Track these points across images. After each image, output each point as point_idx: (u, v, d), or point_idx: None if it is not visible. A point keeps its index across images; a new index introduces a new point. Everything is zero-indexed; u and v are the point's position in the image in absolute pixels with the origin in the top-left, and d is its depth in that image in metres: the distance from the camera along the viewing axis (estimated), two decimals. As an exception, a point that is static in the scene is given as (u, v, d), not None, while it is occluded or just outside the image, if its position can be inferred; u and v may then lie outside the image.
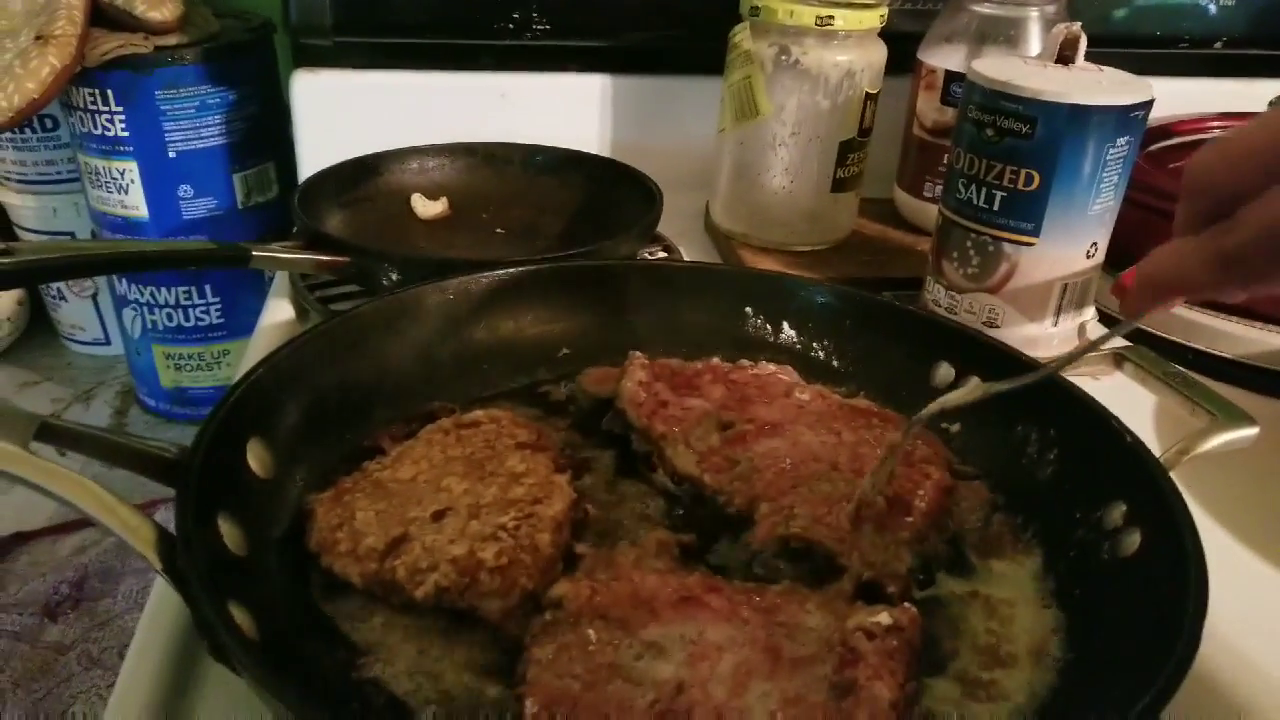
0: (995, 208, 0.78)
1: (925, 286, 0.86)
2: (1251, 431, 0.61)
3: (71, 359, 1.60)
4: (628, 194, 0.98)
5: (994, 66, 0.77)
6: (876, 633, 0.47)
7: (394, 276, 0.78)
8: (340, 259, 0.79)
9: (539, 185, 1.06)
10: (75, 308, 1.58)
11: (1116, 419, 0.58)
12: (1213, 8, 1.17)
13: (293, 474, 0.55)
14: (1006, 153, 0.76)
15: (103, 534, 1.15)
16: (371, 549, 0.50)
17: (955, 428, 0.67)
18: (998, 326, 0.80)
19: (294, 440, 0.56)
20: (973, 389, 0.55)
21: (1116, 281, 0.79)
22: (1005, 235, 0.78)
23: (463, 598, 0.49)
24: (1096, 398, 0.61)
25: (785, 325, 0.76)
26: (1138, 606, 0.48)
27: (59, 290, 1.58)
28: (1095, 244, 0.79)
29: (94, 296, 1.55)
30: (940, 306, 0.83)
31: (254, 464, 0.52)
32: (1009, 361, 0.67)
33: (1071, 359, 0.55)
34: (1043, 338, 0.80)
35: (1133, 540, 0.52)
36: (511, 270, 0.72)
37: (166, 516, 0.43)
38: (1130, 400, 0.67)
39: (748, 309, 0.76)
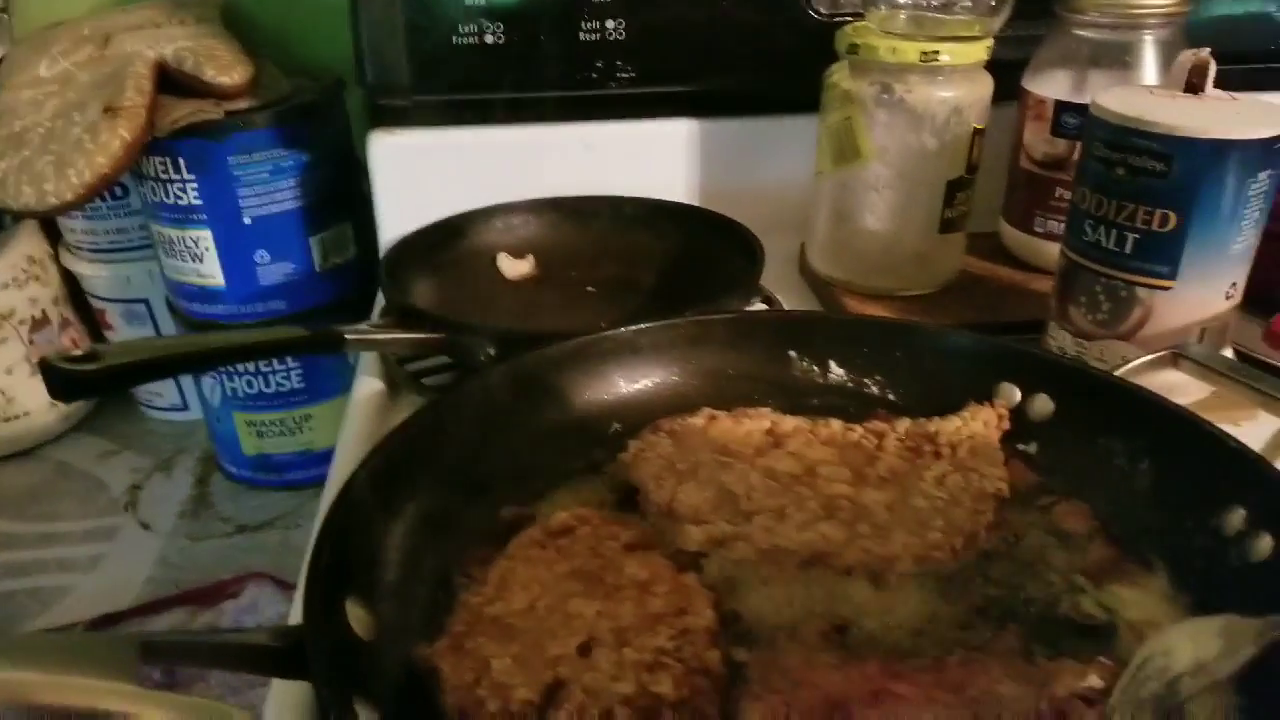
0: (1127, 250, 0.73)
1: (1049, 332, 0.81)
2: None
3: (151, 426, 1.59)
4: (725, 246, 0.95)
5: (1120, 99, 0.72)
6: (1093, 697, 0.44)
7: (491, 352, 0.74)
8: (435, 336, 0.76)
9: (629, 239, 1.02)
10: (152, 373, 1.57)
11: (1204, 420, 0.57)
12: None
13: (390, 626, 0.49)
14: (1139, 192, 0.71)
15: (192, 616, 1.13)
16: (526, 702, 0.44)
17: (1033, 448, 0.65)
18: (1133, 375, 0.75)
19: (383, 587, 0.51)
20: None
21: (1269, 330, 0.73)
22: (1139, 279, 0.73)
23: None
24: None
25: (832, 364, 0.72)
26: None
27: (160, 379, 1.56)
28: (1235, 284, 0.74)
29: (170, 362, 1.54)
30: (1067, 353, 0.78)
31: (356, 628, 0.46)
32: (1068, 374, 0.66)
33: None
34: (1179, 384, 0.75)
35: (1264, 544, 0.50)
36: (549, 353, 0.68)
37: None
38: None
39: (791, 353, 0.72)
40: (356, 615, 0.47)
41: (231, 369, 1.29)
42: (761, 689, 0.46)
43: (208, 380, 1.34)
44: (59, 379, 0.62)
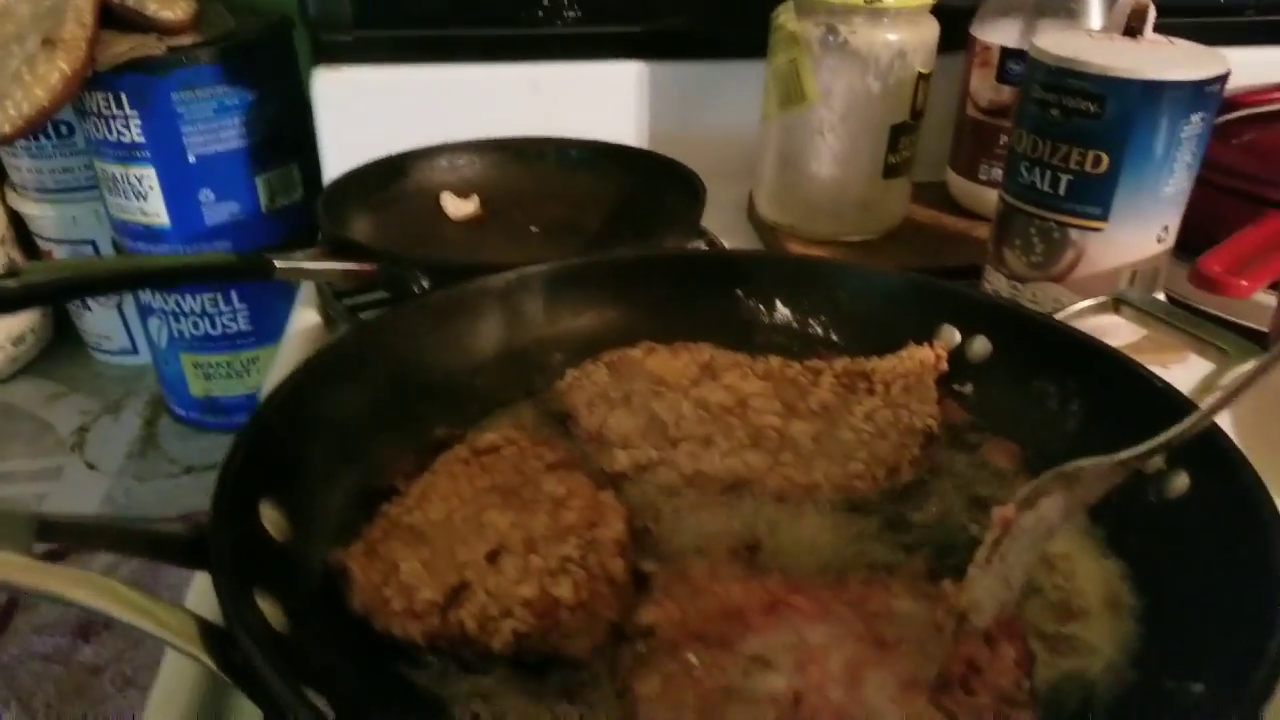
0: (1061, 192, 0.73)
1: (985, 275, 0.82)
2: None
3: (100, 369, 1.58)
4: (669, 187, 0.94)
5: (1058, 42, 0.73)
6: None
7: (425, 283, 0.74)
8: (367, 267, 0.75)
9: (575, 180, 1.01)
10: (100, 317, 1.56)
11: (1138, 364, 0.58)
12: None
13: (307, 531, 0.50)
14: (1073, 134, 0.72)
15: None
16: (430, 603, 0.45)
17: (968, 388, 0.65)
18: (1065, 317, 0.76)
19: (302, 493, 0.51)
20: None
21: (1193, 269, 0.74)
22: (1072, 221, 0.74)
23: (545, 641, 0.45)
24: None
25: (778, 304, 0.72)
26: (1204, 544, 0.48)
27: (82, 300, 1.55)
28: (1166, 227, 0.75)
29: (119, 306, 1.52)
30: (1002, 296, 0.79)
31: (270, 528, 0.47)
32: (1009, 316, 0.66)
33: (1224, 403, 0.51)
34: (1110, 326, 0.76)
35: (1180, 482, 0.51)
36: (492, 281, 0.67)
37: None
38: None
39: (738, 291, 0.72)
40: (271, 517, 0.47)
41: (179, 310, 1.28)
42: (662, 596, 0.47)
43: (154, 321, 1.32)
44: (-24, 295, 0.61)
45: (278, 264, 0.72)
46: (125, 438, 1.42)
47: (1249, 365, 0.58)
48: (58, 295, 0.66)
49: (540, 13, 1.04)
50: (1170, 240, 0.76)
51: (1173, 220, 0.75)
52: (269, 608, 0.42)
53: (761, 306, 0.72)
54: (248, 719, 0.47)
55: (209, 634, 0.39)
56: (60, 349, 1.60)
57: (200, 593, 0.52)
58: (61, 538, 0.41)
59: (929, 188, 1.04)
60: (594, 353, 0.67)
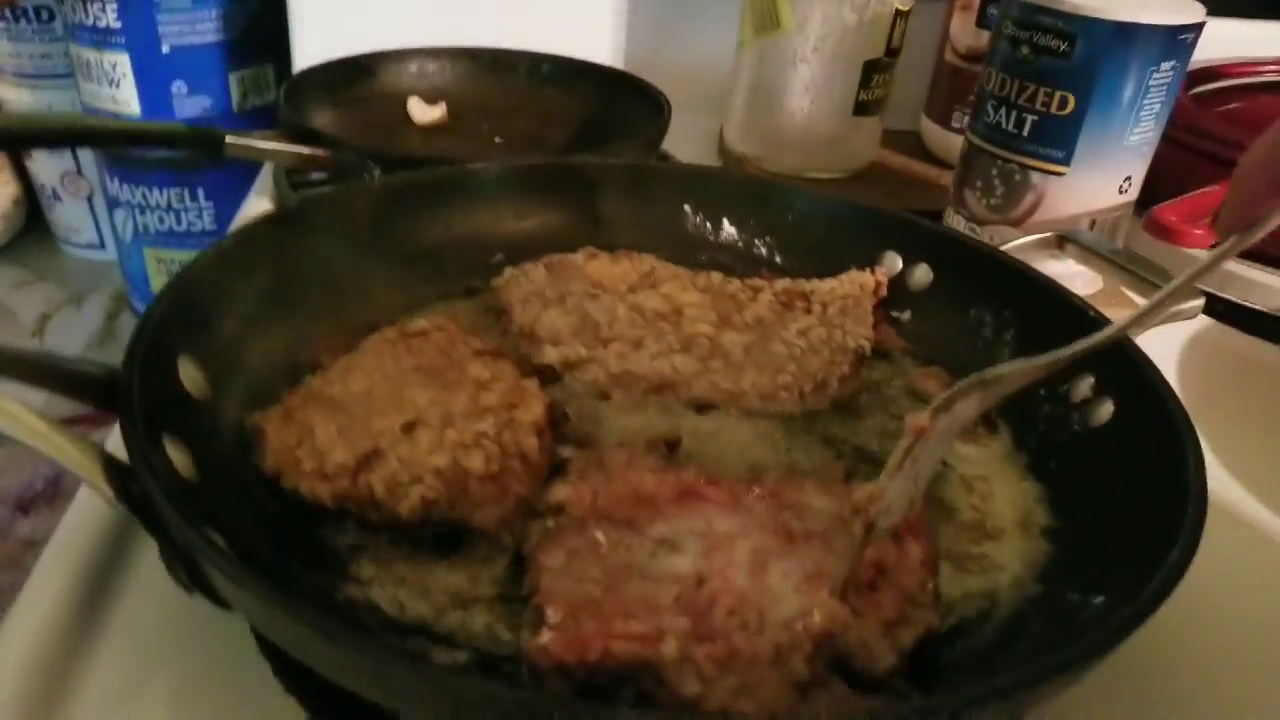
0: (1025, 133, 0.73)
1: (945, 217, 0.82)
2: (1198, 303, 0.60)
3: (67, 262, 1.57)
4: (637, 107, 0.93)
5: (1036, -21, 0.72)
6: None
7: (377, 174, 0.73)
8: (319, 153, 0.74)
9: (544, 95, 1.00)
10: (70, 210, 1.54)
11: (1076, 296, 0.58)
12: (1270, -55, 1.10)
13: (226, 393, 0.50)
14: (1042, 73, 0.71)
15: (89, 432, 1.12)
16: (341, 466, 0.45)
17: (906, 315, 0.66)
18: (1021, 262, 0.76)
19: (225, 356, 0.51)
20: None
21: (1148, 217, 0.73)
22: (1034, 164, 0.74)
23: (453, 509, 0.45)
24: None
25: (725, 222, 0.71)
26: (1123, 468, 0.48)
27: (54, 191, 1.53)
28: (1129, 178, 0.74)
29: (89, 199, 1.51)
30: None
31: (187, 383, 0.47)
32: (954, 246, 0.66)
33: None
34: (1067, 276, 0.76)
35: (1105, 409, 0.52)
36: (442, 173, 0.67)
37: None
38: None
39: (686, 207, 0.71)
40: (190, 374, 0.47)
41: (144, 204, 1.27)
42: (575, 478, 0.47)
43: (120, 214, 1.31)
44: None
45: (229, 139, 0.70)
46: (86, 328, 1.41)
47: (1182, 305, 0.58)
48: (8, 144, 0.65)
49: (522, -78, 1.03)
50: (1133, 192, 0.75)
51: (1137, 171, 0.75)
52: (178, 456, 0.42)
53: (709, 224, 0.71)
54: (147, 569, 0.48)
55: (110, 466, 0.39)
56: (29, 237, 1.58)
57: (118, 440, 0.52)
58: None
59: (903, 136, 1.04)
60: (536, 256, 0.66)
